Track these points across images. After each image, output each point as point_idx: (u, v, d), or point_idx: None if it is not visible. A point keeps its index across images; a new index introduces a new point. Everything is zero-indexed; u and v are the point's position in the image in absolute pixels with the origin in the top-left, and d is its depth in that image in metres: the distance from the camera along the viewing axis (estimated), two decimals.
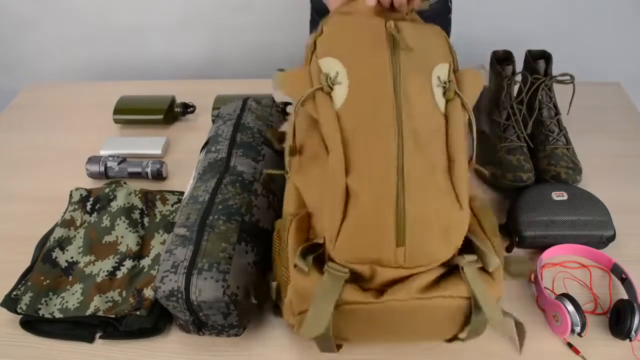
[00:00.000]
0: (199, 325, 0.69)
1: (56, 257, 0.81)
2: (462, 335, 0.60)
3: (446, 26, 1.12)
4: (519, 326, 0.67)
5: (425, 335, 0.60)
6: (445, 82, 0.58)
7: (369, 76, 0.56)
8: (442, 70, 0.58)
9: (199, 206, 0.72)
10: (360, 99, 0.55)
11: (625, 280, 0.75)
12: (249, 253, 0.69)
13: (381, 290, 0.55)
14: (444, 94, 0.57)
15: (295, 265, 0.56)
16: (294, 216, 0.60)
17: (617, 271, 0.77)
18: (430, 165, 0.54)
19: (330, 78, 0.57)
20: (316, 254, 0.56)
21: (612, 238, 0.80)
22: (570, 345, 0.69)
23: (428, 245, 0.52)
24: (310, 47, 0.62)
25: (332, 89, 0.57)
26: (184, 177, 1.00)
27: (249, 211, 0.73)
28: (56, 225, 0.87)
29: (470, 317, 0.56)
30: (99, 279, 0.78)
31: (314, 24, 1.24)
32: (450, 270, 0.56)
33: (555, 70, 1.02)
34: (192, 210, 0.71)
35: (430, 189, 0.53)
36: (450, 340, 0.63)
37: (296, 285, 0.56)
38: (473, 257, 0.55)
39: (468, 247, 0.57)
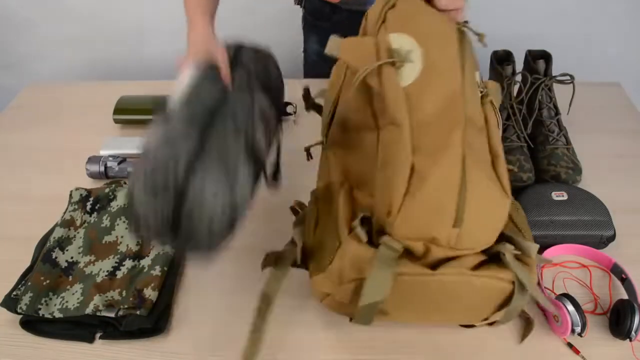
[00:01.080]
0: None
1: (56, 257, 0.81)
2: (495, 317, 0.62)
3: None
4: (530, 322, 0.70)
5: (465, 315, 0.62)
6: (482, 87, 0.62)
7: (442, 64, 0.57)
8: (478, 76, 0.62)
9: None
10: (433, 84, 0.56)
11: (625, 280, 0.75)
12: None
13: (432, 266, 0.56)
14: (482, 97, 0.61)
15: (350, 231, 0.57)
16: (341, 185, 0.62)
17: (617, 271, 0.77)
18: (483, 159, 0.57)
19: (402, 54, 0.57)
20: (367, 227, 0.58)
21: (612, 238, 0.80)
22: (570, 345, 0.69)
23: (478, 229, 0.55)
24: (379, 18, 0.61)
25: (403, 65, 0.57)
26: None
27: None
28: (56, 225, 0.87)
29: (507, 301, 0.59)
30: (99, 279, 0.78)
31: (309, 26, 1.24)
32: (491, 258, 0.58)
33: (555, 70, 1.02)
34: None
35: (484, 179, 0.55)
36: (468, 326, 0.65)
37: (351, 252, 0.57)
38: (512, 246, 0.57)
39: (500, 239, 0.59)
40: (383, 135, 0.58)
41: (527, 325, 0.71)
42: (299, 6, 1.21)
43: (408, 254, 0.57)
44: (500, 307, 0.60)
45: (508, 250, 0.57)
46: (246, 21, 1.63)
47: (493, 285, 0.57)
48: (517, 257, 0.58)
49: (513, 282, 0.57)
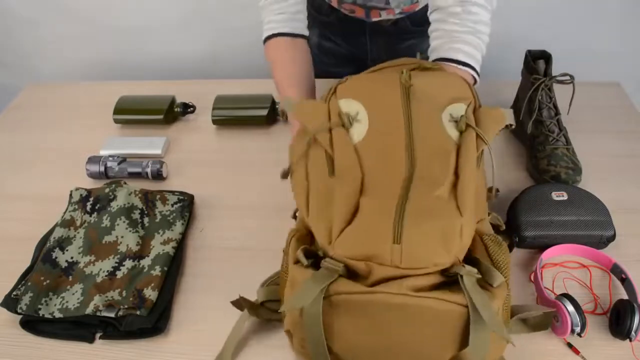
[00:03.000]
0: None
1: (56, 257, 0.81)
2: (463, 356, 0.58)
3: None
4: (548, 314, 0.66)
5: (422, 348, 0.58)
6: (457, 118, 0.65)
7: (385, 119, 0.64)
8: (456, 109, 0.66)
9: None
10: (378, 137, 0.63)
11: (625, 281, 0.75)
12: None
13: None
14: (457, 126, 0.65)
15: (296, 262, 0.59)
16: (295, 232, 0.65)
17: (617, 271, 0.77)
18: (433, 182, 0.59)
19: (351, 117, 0.65)
20: (314, 260, 0.60)
21: (612, 238, 0.80)
22: (570, 345, 0.69)
23: (425, 246, 0.55)
24: (330, 90, 0.69)
25: (351, 125, 0.64)
26: (184, 177, 1.00)
27: None
28: (56, 225, 0.87)
29: (465, 334, 0.55)
30: (99, 279, 0.78)
31: (311, 19, 1.24)
32: (452, 282, 0.56)
33: (555, 70, 1.02)
34: None
35: (429, 198, 0.58)
36: None
37: (294, 277, 0.59)
38: (474, 270, 0.55)
39: (466, 263, 0.57)
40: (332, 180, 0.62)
41: (546, 319, 0.66)
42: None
43: (353, 275, 0.57)
44: (461, 343, 0.56)
45: (467, 273, 0.54)
46: (246, 21, 1.63)
47: (443, 309, 0.54)
48: (480, 284, 0.55)
49: (466, 306, 0.54)
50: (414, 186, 0.58)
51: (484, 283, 0.56)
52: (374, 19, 1.11)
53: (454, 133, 0.64)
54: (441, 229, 0.56)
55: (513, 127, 0.69)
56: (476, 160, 0.63)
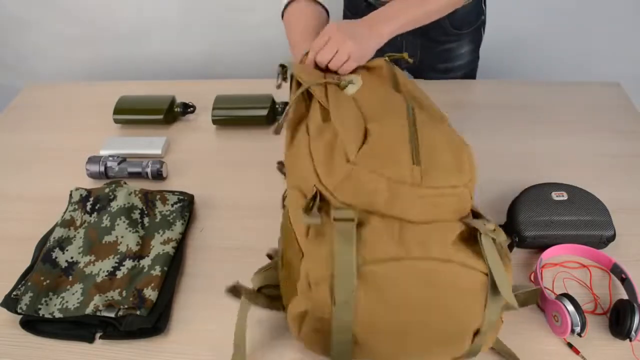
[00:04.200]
0: None
1: (56, 257, 0.81)
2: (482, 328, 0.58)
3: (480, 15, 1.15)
4: (535, 290, 0.66)
5: (449, 319, 0.57)
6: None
7: (375, 79, 0.74)
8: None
9: None
10: (372, 88, 0.71)
11: (625, 280, 0.75)
12: None
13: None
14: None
15: (307, 232, 0.58)
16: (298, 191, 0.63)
17: (617, 271, 0.77)
18: (432, 115, 0.67)
19: (345, 80, 0.73)
20: (320, 205, 0.58)
21: (612, 238, 0.80)
22: (570, 345, 0.69)
23: (440, 168, 0.57)
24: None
25: (346, 86, 0.72)
26: (184, 177, 1.00)
27: None
28: (56, 225, 0.87)
29: (484, 301, 0.56)
30: (99, 279, 0.78)
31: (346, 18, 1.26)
32: (470, 234, 0.58)
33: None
34: None
35: (437, 130, 0.63)
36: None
37: (311, 252, 0.56)
38: (490, 227, 0.56)
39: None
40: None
41: (531, 295, 0.66)
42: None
43: (374, 204, 0.56)
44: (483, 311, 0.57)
45: (485, 232, 0.56)
46: (246, 21, 1.63)
47: (466, 275, 0.55)
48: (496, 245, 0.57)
49: (487, 274, 0.55)
50: (417, 114, 0.64)
51: (500, 248, 0.57)
52: None
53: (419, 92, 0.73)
54: (452, 154, 0.59)
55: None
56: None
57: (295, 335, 0.63)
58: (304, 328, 0.61)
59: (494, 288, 0.55)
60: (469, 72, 1.23)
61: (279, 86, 0.82)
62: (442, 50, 1.16)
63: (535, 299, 0.66)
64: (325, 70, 0.80)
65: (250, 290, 0.68)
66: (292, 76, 0.77)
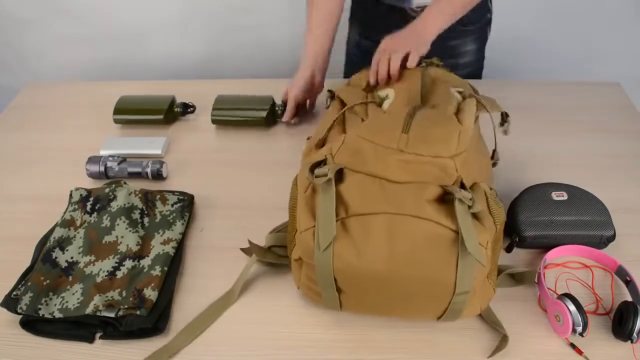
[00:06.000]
0: None
1: (56, 257, 0.81)
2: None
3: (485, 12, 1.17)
4: (504, 339, 0.70)
5: (426, 271, 0.61)
6: (462, 90, 0.78)
7: (407, 87, 0.80)
8: (461, 86, 0.81)
9: None
10: (400, 100, 0.77)
11: (629, 283, 0.75)
12: None
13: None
14: (461, 94, 0.78)
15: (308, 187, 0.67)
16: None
17: (621, 273, 0.77)
18: (438, 106, 0.72)
19: (381, 97, 0.79)
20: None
21: (612, 238, 0.80)
22: (573, 345, 0.69)
23: (427, 140, 0.64)
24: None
25: (383, 102, 0.78)
26: (184, 177, 1.00)
27: None
28: (56, 225, 0.87)
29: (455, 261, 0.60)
30: (99, 279, 0.78)
31: (353, 17, 1.28)
32: (450, 200, 0.63)
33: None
34: None
35: (435, 112, 0.69)
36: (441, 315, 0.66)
37: (304, 205, 0.66)
38: (468, 195, 0.61)
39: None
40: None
41: (501, 342, 0.69)
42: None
43: (359, 159, 0.65)
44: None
45: (462, 197, 0.61)
46: (246, 21, 1.63)
47: (438, 231, 0.60)
48: (473, 214, 0.62)
49: (457, 232, 0.60)
50: (423, 108, 0.70)
51: (479, 216, 0.63)
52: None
53: (458, 96, 0.76)
54: (443, 129, 0.65)
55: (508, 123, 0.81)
56: (474, 115, 0.71)
57: (297, 284, 0.73)
58: (302, 278, 0.70)
59: (463, 246, 0.60)
60: (475, 71, 1.23)
61: (328, 107, 0.91)
62: (447, 47, 1.16)
63: (532, 277, 0.75)
64: (388, 78, 0.85)
65: (262, 248, 0.80)
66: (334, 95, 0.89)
